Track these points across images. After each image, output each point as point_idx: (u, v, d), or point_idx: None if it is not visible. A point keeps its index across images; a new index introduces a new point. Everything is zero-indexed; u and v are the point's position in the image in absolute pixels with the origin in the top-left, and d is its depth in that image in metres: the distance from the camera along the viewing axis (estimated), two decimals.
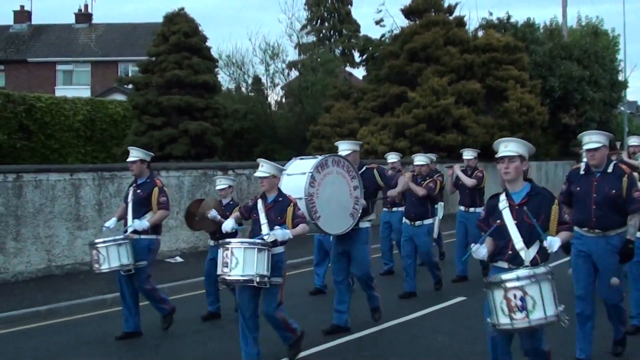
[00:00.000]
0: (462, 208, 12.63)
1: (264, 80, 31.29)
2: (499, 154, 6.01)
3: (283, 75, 31.66)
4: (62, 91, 34.66)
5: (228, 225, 8.03)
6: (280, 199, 7.79)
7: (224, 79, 30.62)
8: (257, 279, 7.27)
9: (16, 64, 40.07)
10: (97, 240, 8.89)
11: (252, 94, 31.10)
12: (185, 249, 15.22)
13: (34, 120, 25.34)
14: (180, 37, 25.50)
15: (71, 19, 43.65)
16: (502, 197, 6.06)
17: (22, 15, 43.43)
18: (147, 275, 9.00)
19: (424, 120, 25.21)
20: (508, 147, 5.98)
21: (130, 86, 33.80)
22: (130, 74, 36.78)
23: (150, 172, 9.31)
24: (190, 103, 24.99)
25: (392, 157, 13.36)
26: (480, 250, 5.93)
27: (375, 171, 9.09)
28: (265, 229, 7.62)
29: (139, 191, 9.13)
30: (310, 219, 8.12)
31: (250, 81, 31.41)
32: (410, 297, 10.87)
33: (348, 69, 39.53)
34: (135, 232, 8.94)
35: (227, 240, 7.50)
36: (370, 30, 58.48)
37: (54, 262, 12.85)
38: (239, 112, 28.57)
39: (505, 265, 5.93)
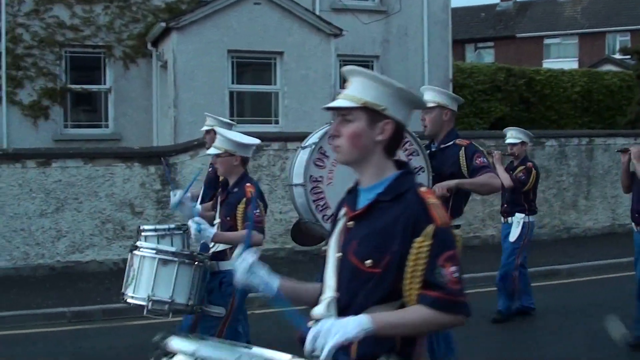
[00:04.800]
0: None
1: None
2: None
3: None
4: (550, 64, 35.34)
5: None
6: (236, 189, 5.51)
7: None
8: (149, 306, 5.23)
9: (504, 40, 41.91)
10: None
11: None
12: None
13: (534, 93, 26.33)
14: None
15: None
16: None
17: None
18: None
19: None
20: (350, 86, 2.77)
21: (618, 56, 33.40)
22: (618, 45, 36.23)
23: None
24: None
25: None
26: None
27: (462, 150, 5.72)
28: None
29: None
30: (314, 219, 5.36)
31: None
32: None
33: None
34: None
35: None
36: None
37: (617, 221, 13.58)
38: None
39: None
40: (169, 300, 5.20)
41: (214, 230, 5.35)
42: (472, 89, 25.07)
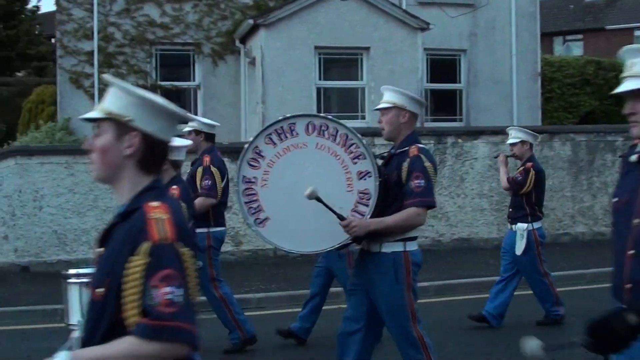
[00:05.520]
0: None
1: None
2: None
3: None
4: None
5: None
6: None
7: None
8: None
9: (594, 33, 40.93)
10: None
11: None
12: None
13: None
14: None
15: None
16: None
17: None
18: (208, 279, 7.29)
19: None
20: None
21: None
22: None
23: (206, 147, 7.45)
24: None
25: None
26: None
27: (407, 162, 5.07)
28: None
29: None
30: (247, 222, 4.99)
31: None
32: None
33: None
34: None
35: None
36: None
37: None
38: None
39: None
40: None
41: None
42: (561, 83, 24.63)
